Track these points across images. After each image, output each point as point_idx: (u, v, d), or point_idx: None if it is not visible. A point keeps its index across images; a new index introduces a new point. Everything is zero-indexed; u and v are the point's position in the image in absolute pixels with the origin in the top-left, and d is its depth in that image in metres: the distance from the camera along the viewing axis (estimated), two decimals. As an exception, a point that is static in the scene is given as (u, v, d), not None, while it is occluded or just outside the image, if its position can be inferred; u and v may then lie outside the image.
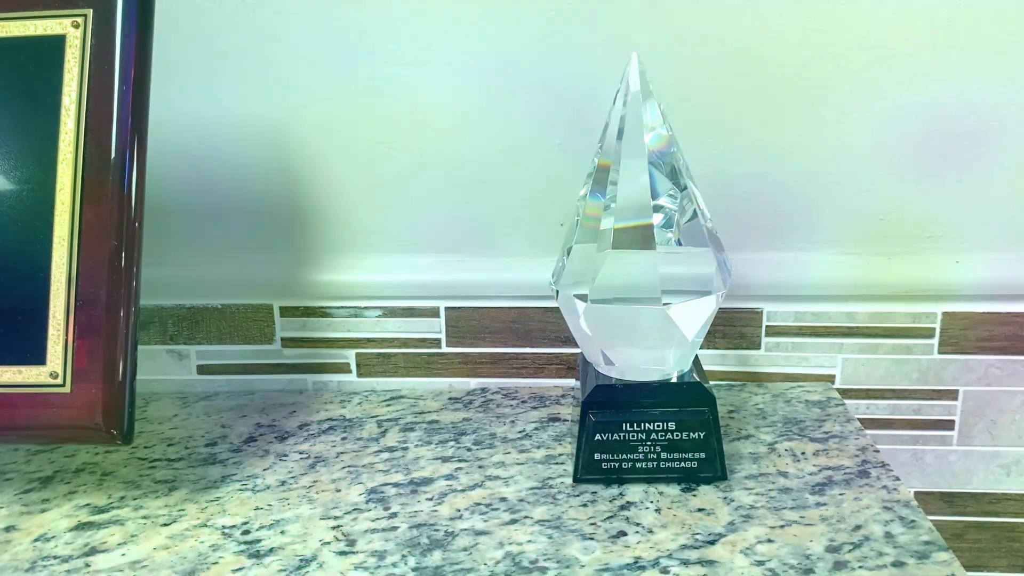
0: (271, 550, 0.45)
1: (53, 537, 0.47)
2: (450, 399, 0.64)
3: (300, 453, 0.56)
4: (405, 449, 0.56)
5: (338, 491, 0.51)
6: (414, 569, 0.43)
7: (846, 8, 0.57)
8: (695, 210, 0.48)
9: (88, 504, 0.50)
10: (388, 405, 0.63)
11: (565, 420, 0.59)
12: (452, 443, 0.56)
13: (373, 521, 0.48)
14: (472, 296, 0.64)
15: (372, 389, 0.66)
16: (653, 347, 0.48)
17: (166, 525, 0.48)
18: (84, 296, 0.45)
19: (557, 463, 0.53)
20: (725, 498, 0.48)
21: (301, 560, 0.44)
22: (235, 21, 0.60)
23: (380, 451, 0.56)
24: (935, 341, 0.63)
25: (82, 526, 0.48)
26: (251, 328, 0.65)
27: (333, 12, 0.59)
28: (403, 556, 0.44)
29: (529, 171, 0.62)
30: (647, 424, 0.49)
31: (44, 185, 0.46)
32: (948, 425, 0.64)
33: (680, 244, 0.48)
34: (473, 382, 0.66)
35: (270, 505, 0.50)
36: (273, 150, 0.63)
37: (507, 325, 0.64)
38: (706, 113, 0.59)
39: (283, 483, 0.52)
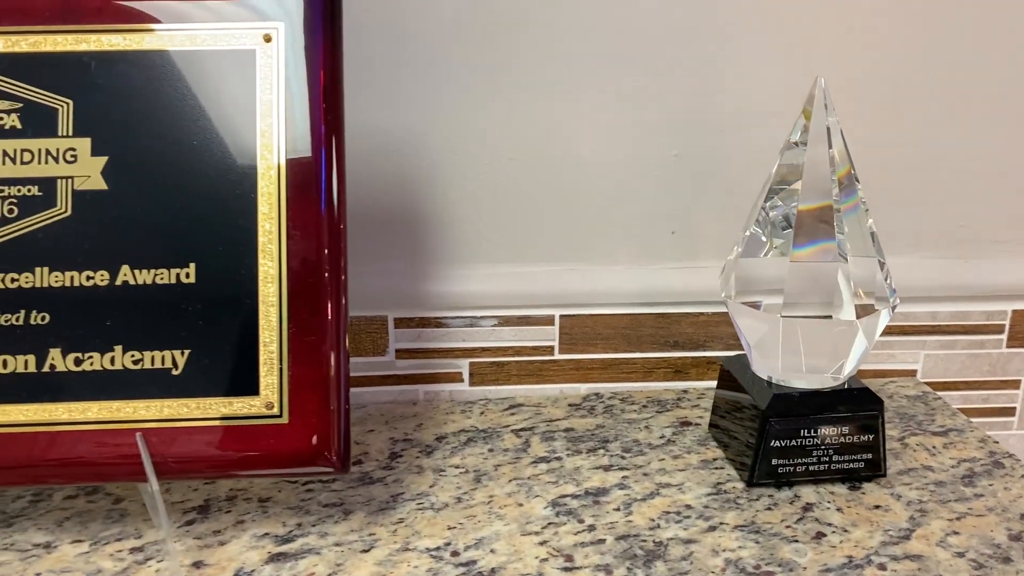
0: (493, 570, 0.45)
1: (253, 571, 0.46)
2: (570, 405, 0.65)
3: (456, 468, 0.56)
4: (559, 459, 0.57)
5: (520, 505, 0.51)
6: (648, 581, 0.44)
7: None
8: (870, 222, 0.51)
9: (267, 533, 0.49)
10: (512, 414, 0.64)
11: (697, 424, 0.61)
12: (601, 451, 0.58)
13: (576, 535, 0.48)
14: (586, 304, 0.65)
15: (485, 397, 0.66)
16: (834, 357, 0.51)
17: (366, 551, 0.47)
18: (295, 323, 0.44)
19: (716, 468, 0.55)
20: (891, 494, 0.52)
21: (531, 579, 0.45)
22: (386, 42, 0.58)
23: (535, 462, 0.56)
24: (1004, 336, 0.69)
25: (276, 557, 0.47)
26: (364, 340, 0.64)
27: (477, 39, 0.59)
28: (629, 569, 0.45)
29: (645, 181, 0.64)
30: (822, 429, 0.51)
31: (247, 211, 0.44)
32: (1010, 412, 0.70)
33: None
34: (584, 387, 0.67)
35: (460, 524, 0.50)
36: (392, 163, 0.62)
37: (619, 331, 0.66)
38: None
39: (459, 500, 0.52)
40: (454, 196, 0.63)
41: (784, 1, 0.60)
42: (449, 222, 0.63)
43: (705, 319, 0.66)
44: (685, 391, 0.67)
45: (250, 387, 0.44)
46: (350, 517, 0.51)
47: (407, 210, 0.63)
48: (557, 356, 0.66)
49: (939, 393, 0.68)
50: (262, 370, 0.44)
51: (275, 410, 0.44)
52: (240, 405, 0.44)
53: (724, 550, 0.47)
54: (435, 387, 0.66)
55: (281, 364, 0.44)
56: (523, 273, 0.64)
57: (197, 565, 0.46)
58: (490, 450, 0.58)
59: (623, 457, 0.57)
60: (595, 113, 0.62)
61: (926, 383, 0.69)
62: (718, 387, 0.58)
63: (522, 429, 0.61)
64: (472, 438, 0.60)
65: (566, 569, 0.45)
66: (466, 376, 0.66)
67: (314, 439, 0.44)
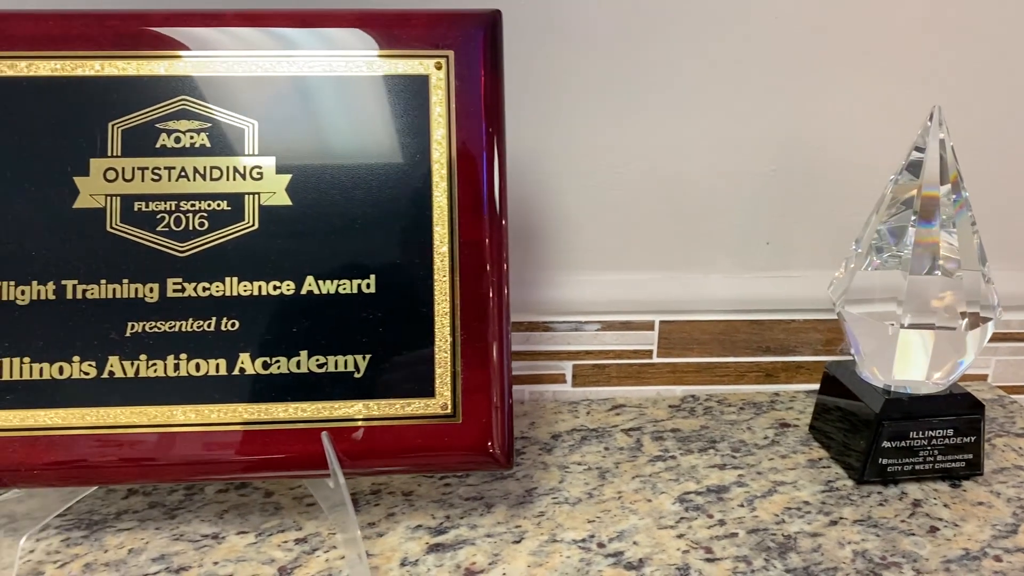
0: (641, 561, 0.49)
1: (417, 560, 0.49)
2: (670, 407, 0.69)
3: (578, 465, 0.59)
4: (673, 458, 0.60)
5: (649, 501, 0.55)
6: (787, 571, 0.48)
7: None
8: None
9: (419, 525, 0.52)
10: (617, 414, 0.67)
11: (795, 425, 0.65)
12: (712, 451, 0.61)
13: (709, 528, 0.52)
14: (684, 311, 0.69)
15: (587, 398, 0.70)
16: (942, 364, 0.55)
17: (517, 543, 0.51)
18: (466, 329, 0.47)
19: (823, 467, 0.59)
20: (991, 492, 0.56)
21: (678, 570, 0.48)
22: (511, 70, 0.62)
23: (652, 461, 0.60)
24: (1069, 343, 0.73)
25: (435, 548, 0.50)
26: (476, 343, 0.67)
27: (595, 65, 0.62)
28: (766, 560, 0.49)
29: (743, 195, 0.67)
30: (930, 431, 0.55)
31: (422, 226, 0.48)
32: (1071, 414, 0.75)
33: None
34: (679, 389, 0.71)
35: (598, 517, 0.53)
36: (509, 178, 0.65)
37: (715, 337, 0.70)
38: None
39: (590, 495, 0.56)
40: (565, 208, 0.66)
41: (880, 36, 0.64)
42: (558, 232, 0.67)
43: (796, 326, 0.70)
44: (776, 394, 0.71)
45: (426, 389, 0.47)
46: (493, 510, 0.54)
47: (520, 221, 0.66)
48: (655, 360, 0.70)
49: (1013, 396, 0.72)
50: (437, 373, 0.47)
51: (449, 410, 0.47)
52: (417, 406, 0.47)
53: (849, 542, 0.51)
54: (540, 387, 0.70)
55: (454, 368, 0.47)
56: (626, 281, 0.68)
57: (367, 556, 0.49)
58: (606, 448, 0.62)
59: (734, 456, 0.61)
60: (702, 131, 0.65)
61: (998, 387, 0.73)
62: (821, 391, 0.62)
63: (631, 429, 0.65)
64: (586, 436, 0.63)
65: (708, 560, 0.49)
66: (569, 377, 0.70)
67: (484, 437, 0.47)
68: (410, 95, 0.48)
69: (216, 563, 0.49)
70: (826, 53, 0.65)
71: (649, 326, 0.69)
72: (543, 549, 0.50)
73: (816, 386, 0.67)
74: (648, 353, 0.70)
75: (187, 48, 0.47)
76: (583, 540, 0.51)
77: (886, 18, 0.64)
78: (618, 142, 0.65)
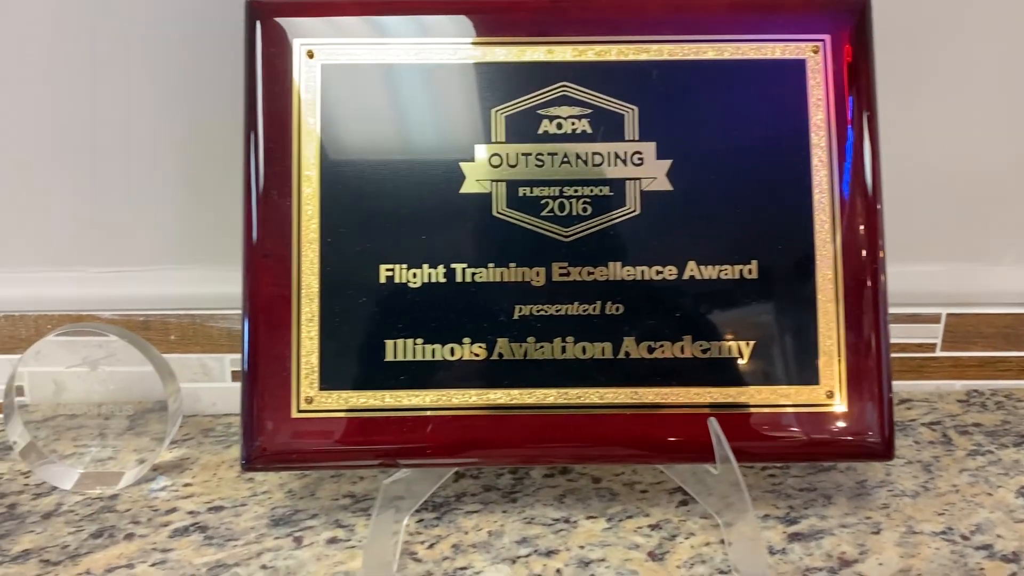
0: (1015, 553, 0.48)
1: (784, 549, 0.48)
2: (958, 401, 0.67)
3: (898, 458, 0.58)
4: (991, 452, 0.59)
5: (990, 495, 0.54)
6: None
7: None
8: None
9: (767, 515, 0.52)
10: (908, 408, 0.66)
11: (1103, 421, 0.64)
12: (1028, 446, 0.60)
13: (1068, 522, 0.51)
14: (971, 303, 0.67)
15: (867, 392, 0.69)
16: None
17: (876, 533, 0.50)
18: (849, 315, 0.47)
19: None
20: None
21: (1062, 564, 0.47)
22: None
23: (970, 454, 0.59)
24: None
25: (795, 537, 0.49)
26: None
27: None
28: None
29: (1036, 185, 0.66)
30: None
31: (803, 211, 0.47)
32: None
33: None
34: (958, 384, 0.70)
35: (945, 510, 0.52)
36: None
37: (1000, 330, 0.68)
38: None
39: (925, 488, 0.55)
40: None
41: None
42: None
43: (1088, 320, 0.68)
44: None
45: (810, 376, 0.47)
46: (833, 501, 0.53)
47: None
48: (938, 353, 0.69)
49: None
50: (821, 360, 0.47)
51: (835, 398, 0.47)
52: (801, 393, 0.47)
53: None
54: (819, 380, 0.69)
55: (839, 355, 0.47)
56: (912, 273, 0.67)
57: (723, 542, 0.49)
58: (915, 442, 0.61)
59: (1055, 452, 0.59)
60: (989, 122, 0.64)
61: None
62: None
63: (931, 423, 0.64)
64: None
65: (1084, 555, 0.48)
66: (849, 370, 0.69)
67: (868, 427, 0.47)
68: (787, 79, 0.48)
69: (582, 547, 0.49)
70: None
71: (935, 319, 0.68)
72: (907, 540, 0.49)
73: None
74: (932, 347, 0.69)
75: (566, 34, 0.48)
76: (943, 532, 0.50)
77: None
78: (898, 134, 0.64)
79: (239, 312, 0.64)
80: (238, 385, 0.66)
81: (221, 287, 0.63)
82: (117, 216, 0.64)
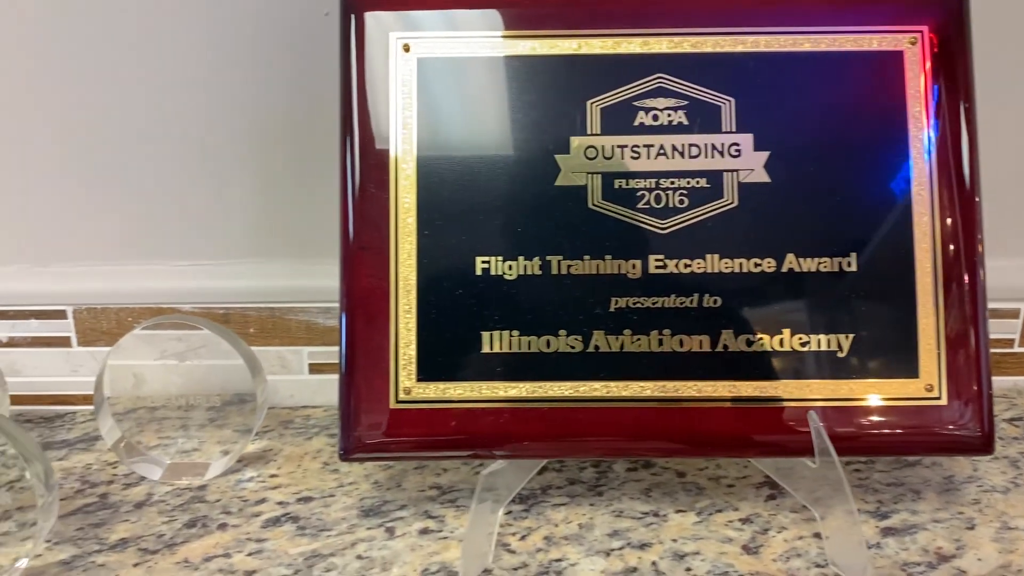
0: None
1: (878, 543, 0.48)
2: (1042, 397, 0.67)
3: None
4: (1091, 449, 0.59)
5: (1091, 492, 0.53)
6: None
7: None
8: None
9: (857, 510, 0.51)
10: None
11: None
12: (1116, 442, 0.59)
13: None
14: (1051, 297, 0.67)
15: (944, 388, 0.68)
16: None
17: (970, 528, 0.49)
18: (948, 308, 0.47)
19: None
20: None
21: None
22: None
23: (1061, 451, 0.58)
24: None
25: (889, 532, 0.49)
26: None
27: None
28: None
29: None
30: None
31: (902, 204, 0.47)
32: None
33: None
34: (1034, 380, 0.69)
35: (1043, 507, 0.52)
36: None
37: (1080, 325, 0.67)
38: None
39: (1015, 484, 0.54)
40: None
41: None
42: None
43: None
44: None
45: (910, 370, 0.46)
46: (922, 497, 0.53)
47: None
48: (1016, 348, 0.68)
49: None
50: (921, 354, 0.46)
51: (934, 392, 0.46)
52: (901, 387, 0.46)
53: None
54: (895, 376, 0.68)
55: (938, 348, 0.46)
56: (991, 267, 0.66)
57: (817, 536, 0.49)
58: (999, 438, 0.60)
59: None
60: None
61: None
62: None
63: (1012, 419, 0.63)
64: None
65: None
66: (926, 366, 0.68)
67: (969, 420, 0.46)
68: (885, 71, 0.47)
69: (674, 540, 0.49)
70: None
71: (1014, 314, 0.67)
72: (1003, 536, 0.49)
73: None
74: (1010, 342, 0.68)
75: (661, 26, 0.48)
76: (1044, 530, 0.50)
77: None
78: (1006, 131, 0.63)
79: (317, 305, 0.65)
80: (315, 378, 0.67)
81: (300, 280, 0.64)
82: (198, 210, 0.64)
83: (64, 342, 0.66)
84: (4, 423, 0.43)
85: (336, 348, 0.63)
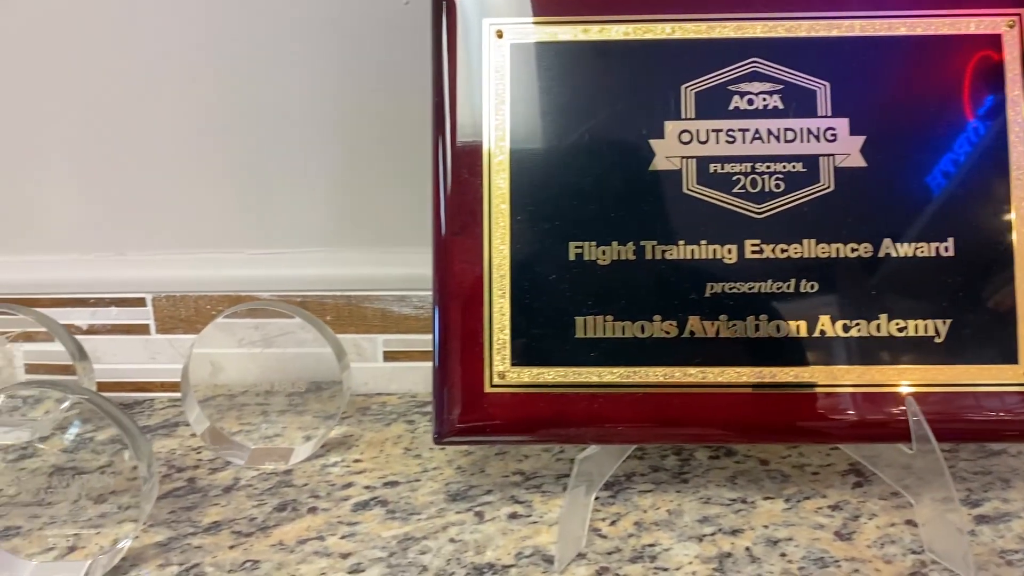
0: None
1: (974, 531, 0.48)
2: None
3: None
4: None
5: None
6: None
7: None
8: None
9: (944, 497, 0.51)
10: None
11: None
12: None
13: None
14: None
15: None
16: None
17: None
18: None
19: None
20: None
21: None
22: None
23: None
24: None
25: (983, 520, 0.49)
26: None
27: None
28: None
29: None
30: None
31: (1001, 189, 0.47)
32: None
33: None
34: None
35: None
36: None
37: None
38: None
39: (1103, 474, 0.54)
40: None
41: None
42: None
43: None
44: None
45: (1009, 355, 0.46)
46: (1012, 485, 0.52)
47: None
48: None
49: None
50: (1020, 339, 0.46)
51: (1031, 379, 0.46)
52: (999, 372, 0.46)
53: None
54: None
55: (1040, 335, 0.46)
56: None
57: (910, 523, 0.49)
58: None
59: None
60: None
61: None
62: None
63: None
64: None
65: None
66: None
67: (1075, 409, 0.46)
68: (982, 54, 0.47)
69: (766, 527, 0.49)
70: None
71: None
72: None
73: None
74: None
75: (756, 11, 0.48)
76: None
77: None
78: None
79: (392, 293, 0.65)
80: (390, 365, 0.67)
81: (376, 268, 0.64)
82: (275, 198, 0.65)
83: (143, 329, 0.67)
84: (112, 410, 0.44)
85: (411, 336, 0.64)
